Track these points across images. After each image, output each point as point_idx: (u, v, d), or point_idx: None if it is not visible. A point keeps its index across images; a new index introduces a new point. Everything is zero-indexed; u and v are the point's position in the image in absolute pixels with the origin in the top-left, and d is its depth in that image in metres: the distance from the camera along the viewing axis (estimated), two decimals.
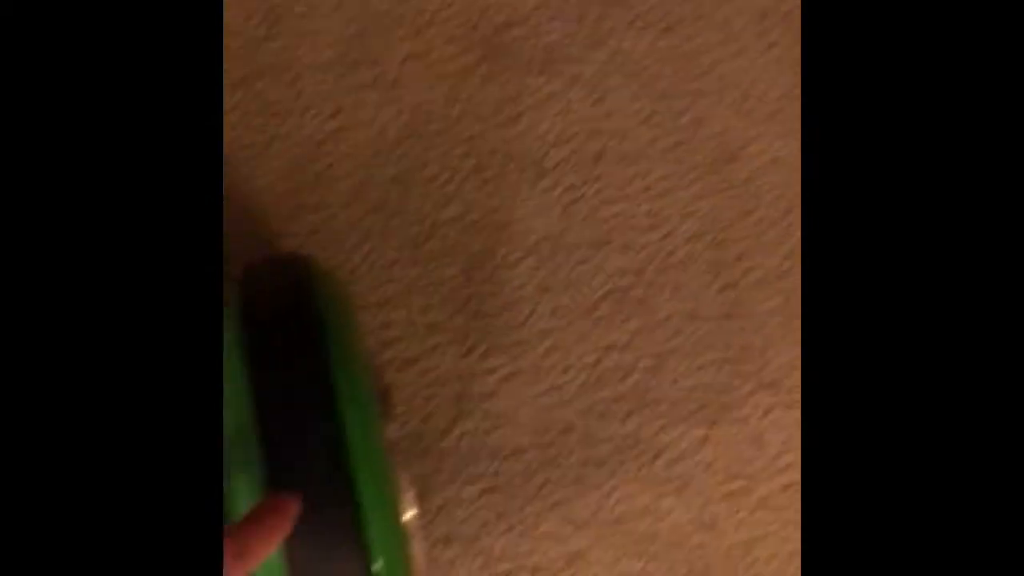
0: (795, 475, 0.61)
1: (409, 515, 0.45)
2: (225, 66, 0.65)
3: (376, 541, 0.40)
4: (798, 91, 0.66)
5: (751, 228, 0.65)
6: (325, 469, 0.40)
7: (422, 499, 0.60)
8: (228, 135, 0.64)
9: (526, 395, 0.62)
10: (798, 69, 0.66)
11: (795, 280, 0.64)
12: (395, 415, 0.59)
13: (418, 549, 0.46)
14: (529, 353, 0.63)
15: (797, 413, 0.62)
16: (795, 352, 0.62)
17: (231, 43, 0.65)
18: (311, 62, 0.66)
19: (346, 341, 0.43)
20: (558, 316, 0.64)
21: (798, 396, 0.62)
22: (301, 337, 0.42)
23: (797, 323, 0.63)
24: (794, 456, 0.61)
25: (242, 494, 0.41)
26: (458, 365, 0.62)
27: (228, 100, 0.65)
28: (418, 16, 0.66)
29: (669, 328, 0.64)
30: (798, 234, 0.64)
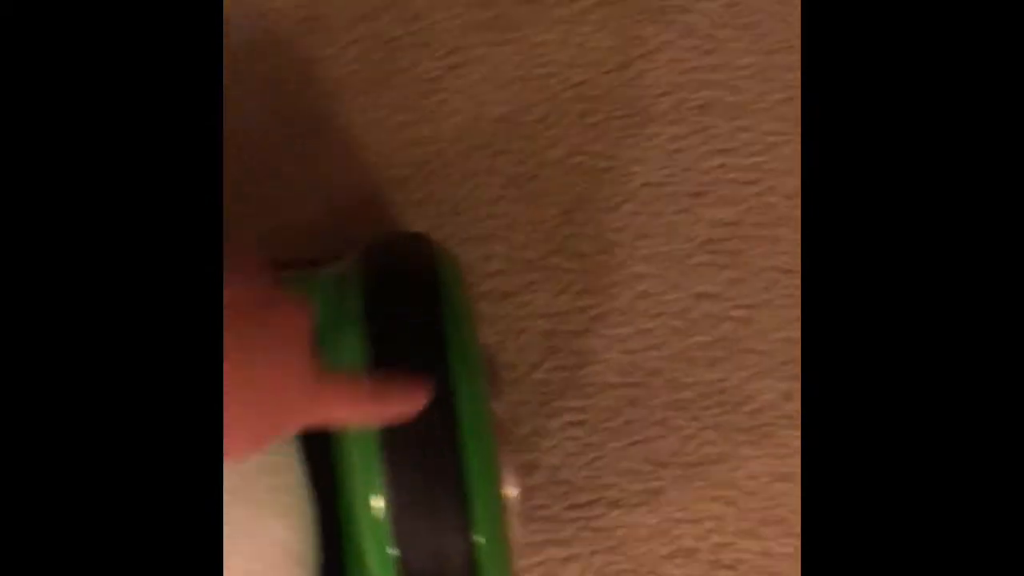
0: None
1: (511, 492, 0.47)
2: (348, 2, 0.67)
3: (479, 515, 0.42)
4: None
5: None
6: (435, 441, 0.42)
7: (511, 426, 0.62)
8: (348, 68, 0.67)
9: (616, 336, 0.64)
10: None
11: None
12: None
13: (515, 526, 0.47)
14: (622, 295, 0.65)
15: None
16: None
17: None
18: (431, 1, 0.68)
19: (463, 319, 0.45)
20: (653, 262, 0.65)
21: None
22: (420, 313, 0.43)
23: None
24: None
25: (356, 458, 0.43)
26: (552, 302, 0.65)
27: (349, 34, 0.67)
28: None
29: (763, 281, 0.65)
30: None
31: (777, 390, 0.63)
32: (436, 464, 0.42)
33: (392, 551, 0.42)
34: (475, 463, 0.42)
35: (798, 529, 0.61)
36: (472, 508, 0.42)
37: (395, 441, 0.42)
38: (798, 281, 0.64)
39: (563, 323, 0.64)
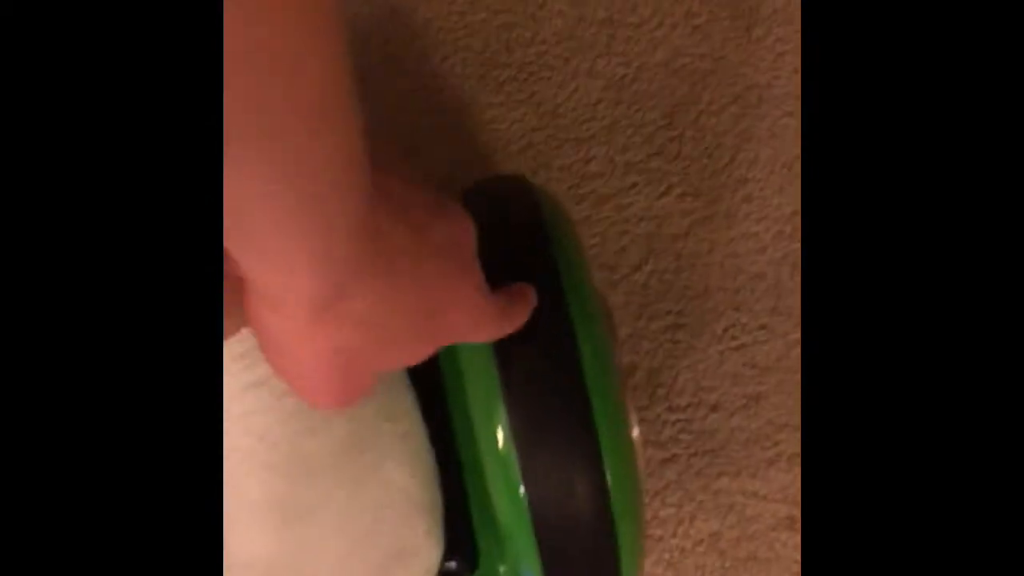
0: None
1: (635, 432, 0.46)
2: None
3: (608, 454, 0.41)
4: None
5: None
6: (559, 383, 0.41)
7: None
8: None
9: (718, 240, 0.63)
10: None
11: None
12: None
13: (641, 464, 0.47)
14: (725, 199, 0.64)
15: None
16: None
17: None
18: None
19: (576, 265, 0.44)
20: (758, 166, 0.64)
21: None
22: (533, 259, 0.43)
23: None
24: None
25: (479, 400, 0.43)
26: (653, 205, 0.64)
27: None
28: None
29: None
30: None
31: None
32: (562, 403, 0.41)
33: (521, 489, 0.42)
34: (599, 401, 0.41)
35: None
36: (600, 446, 0.41)
37: (518, 382, 0.41)
38: None
39: (664, 226, 0.63)
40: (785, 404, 0.61)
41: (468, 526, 0.46)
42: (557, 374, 0.41)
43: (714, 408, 0.61)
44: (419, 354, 0.35)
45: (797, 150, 0.64)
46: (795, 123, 0.64)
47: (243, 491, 0.40)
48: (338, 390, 0.34)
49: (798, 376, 0.61)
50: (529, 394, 0.41)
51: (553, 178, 0.64)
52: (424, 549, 0.43)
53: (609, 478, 0.42)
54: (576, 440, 0.41)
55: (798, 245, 0.63)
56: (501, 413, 0.42)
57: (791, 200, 0.63)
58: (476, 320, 0.36)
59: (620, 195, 0.64)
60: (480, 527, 0.46)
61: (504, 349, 0.42)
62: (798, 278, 0.62)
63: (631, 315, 0.62)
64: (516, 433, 0.41)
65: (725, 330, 0.62)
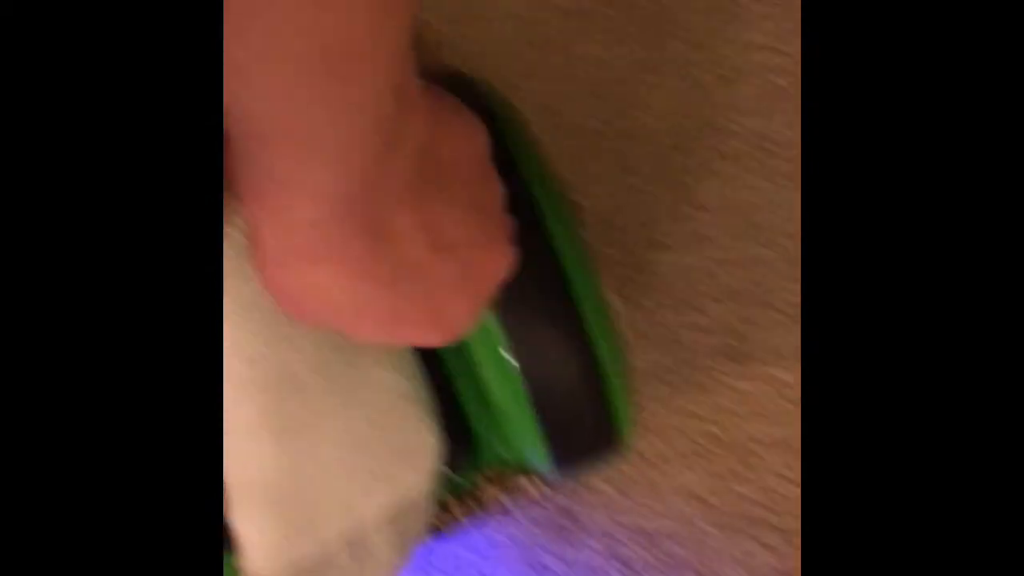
0: None
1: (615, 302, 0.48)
2: None
3: (592, 319, 0.44)
4: None
5: None
6: (537, 262, 0.43)
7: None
8: None
9: (664, 85, 0.64)
10: None
11: None
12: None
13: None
14: (669, 46, 0.65)
15: None
16: None
17: None
18: None
19: (535, 157, 0.45)
20: (703, 12, 0.65)
21: None
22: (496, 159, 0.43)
23: None
24: None
25: None
26: (600, 52, 0.65)
27: None
28: None
29: None
30: None
31: None
32: (541, 277, 0.43)
33: (512, 365, 0.43)
34: (583, 289, 0.43)
35: None
36: (583, 313, 0.43)
37: (507, 292, 0.43)
38: None
39: (610, 72, 0.64)
40: (726, 241, 0.63)
41: (463, 419, 0.47)
42: (532, 251, 0.43)
43: (659, 246, 0.63)
44: (372, 339, 0.39)
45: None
46: None
47: (232, 412, 0.41)
48: (289, 314, 0.39)
49: (742, 215, 0.63)
50: (514, 295, 0.43)
51: (499, 26, 0.65)
52: (427, 445, 0.44)
53: (594, 339, 0.44)
54: (559, 309, 0.43)
55: (744, 91, 0.64)
56: None
57: (737, 48, 0.65)
58: (451, 327, 0.40)
59: (568, 41, 0.65)
60: (476, 420, 0.47)
61: None
62: (741, 122, 0.64)
63: (578, 160, 0.64)
64: (500, 311, 0.43)
65: (671, 171, 0.64)
